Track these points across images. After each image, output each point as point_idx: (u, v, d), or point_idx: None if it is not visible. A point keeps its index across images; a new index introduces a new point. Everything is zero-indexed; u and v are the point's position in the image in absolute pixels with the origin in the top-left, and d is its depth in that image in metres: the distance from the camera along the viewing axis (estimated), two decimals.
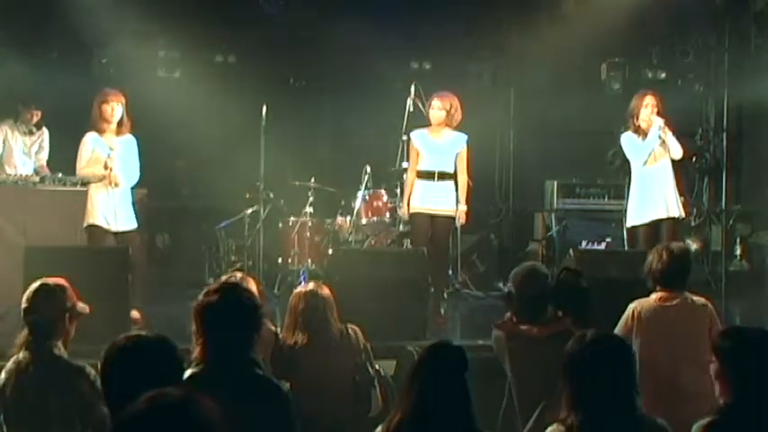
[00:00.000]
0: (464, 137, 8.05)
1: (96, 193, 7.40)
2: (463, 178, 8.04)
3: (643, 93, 8.04)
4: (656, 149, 7.80)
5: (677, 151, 7.84)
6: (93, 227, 7.36)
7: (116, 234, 7.44)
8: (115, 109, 7.46)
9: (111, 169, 7.36)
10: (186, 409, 2.03)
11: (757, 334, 3.42)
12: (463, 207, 8.03)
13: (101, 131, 7.48)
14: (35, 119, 8.41)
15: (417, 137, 8.01)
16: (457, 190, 7.96)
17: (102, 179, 7.38)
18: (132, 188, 7.69)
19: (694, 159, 11.19)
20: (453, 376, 3.35)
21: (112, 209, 7.38)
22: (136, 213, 7.70)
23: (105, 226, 7.39)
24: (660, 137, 7.73)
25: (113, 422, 2.07)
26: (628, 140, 7.90)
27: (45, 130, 8.47)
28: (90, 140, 7.48)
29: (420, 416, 3.31)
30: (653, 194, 7.81)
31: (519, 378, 4.69)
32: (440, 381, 3.33)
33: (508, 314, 4.94)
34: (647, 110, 7.81)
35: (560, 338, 4.75)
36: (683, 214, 8.02)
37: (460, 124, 8.07)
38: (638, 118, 7.83)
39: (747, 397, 3.24)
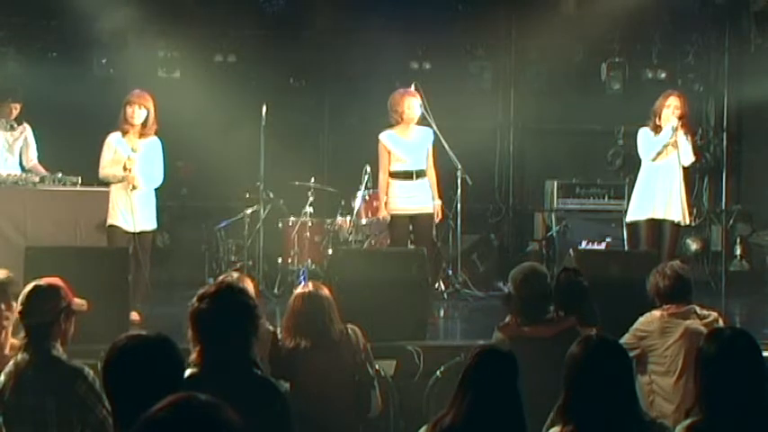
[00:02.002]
0: (431, 131, 8.05)
1: (116, 194, 7.48)
2: (432, 173, 8.06)
3: (668, 93, 8.06)
4: (665, 149, 7.81)
5: (687, 156, 7.83)
6: (112, 227, 7.43)
7: (134, 234, 7.49)
8: (136, 111, 7.53)
9: (129, 170, 7.42)
10: (213, 413, 2.02)
11: (734, 337, 3.40)
12: (438, 201, 8.05)
13: (124, 132, 7.56)
14: (14, 113, 8.33)
15: (388, 138, 7.93)
16: (429, 186, 7.97)
17: (121, 180, 7.46)
18: (156, 189, 7.72)
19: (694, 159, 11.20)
20: (507, 382, 3.37)
21: (131, 210, 7.44)
22: (158, 215, 7.73)
23: (124, 226, 7.46)
24: (671, 136, 7.75)
25: (138, 423, 2.05)
26: (642, 135, 7.94)
27: (26, 126, 8.34)
28: (113, 141, 7.57)
29: (473, 421, 3.32)
30: (654, 192, 7.83)
31: (527, 381, 4.59)
32: (493, 387, 3.36)
33: (509, 317, 4.90)
34: (669, 110, 7.82)
35: (568, 337, 4.73)
36: (687, 221, 7.98)
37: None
38: (659, 117, 7.85)
39: (725, 399, 3.23)
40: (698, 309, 5.26)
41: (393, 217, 7.92)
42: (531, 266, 5.13)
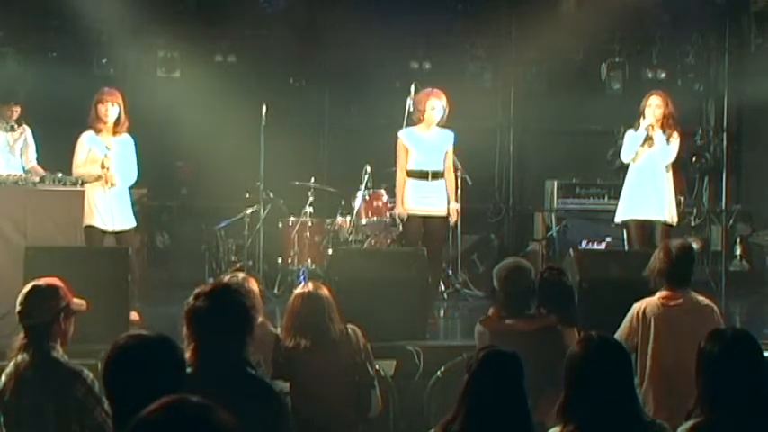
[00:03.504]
0: (452, 134, 7.97)
1: (93, 194, 7.44)
2: (452, 176, 8.02)
3: (650, 92, 8.09)
4: (645, 149, 7.83)
5: (665, 155, 7.84)
6: (89, 228, 7.40)
7: (114, 234, 7.49)
8: (109, 109, 7.51)
9: (107, 169, 7.40)
10: (206, 415, 2.01)
11: (736, 337, 3.39)
12: (456, 205, 8.01)
13: (97, 131, 7.54)
14: (15, 115, 8.34)
15: (407, 136, 7.88)
16: (446, 188, 7.93)
17: (98, 179, 7.44)
18: (130, 188, 7.72)
19: (694, 159, 11.19)
20: (513, 385, 3.36)
21: (109, 209, 7.44)
22: (135, 213, 7.72)
23: (102, 226, 7.44)
24: (646, 136, 7.77)
25: (131, 425, 2.05)
26: (626, 137, 8.00)
27: (26, 128, 8.36)
28: (86, 140, 7.53)
29: (480, 425, 3.32)
30: (638, 192, 7.87)
31: None
32: (499, 390, 3.35)
33: (491, 310, 4.99)
34: (650, 110, 7.85)
35: (546, 333, 4.80)
36: (674, 220, 7.99)
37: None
38: (644, 117, 7.87)
39: (726, 400, 3.23)
40: (694, 295, 5.23)
41: (399, 216, 7.88)
42: (515, 262, 5.17)
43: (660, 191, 7.83)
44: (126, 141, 7.63)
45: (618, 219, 8.12)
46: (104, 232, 7.45)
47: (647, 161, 7.86)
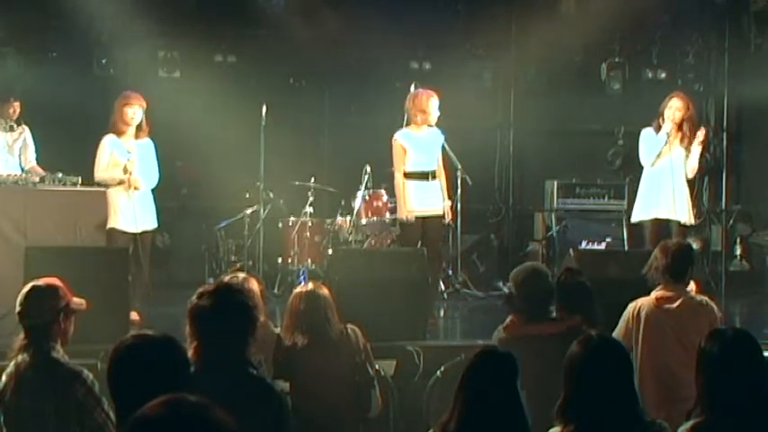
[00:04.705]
0: (439, 131, 8.00)
1: (117, 197, 7.50)
2: (442, 173, 8.04)
3: (673, 94, 8.10)
4: (664, 151, 7.83)
5: (690, 163, 7.85)
6: (113, 230, 7.45)
7: (135, 235, 7.52)
8: (136, 113, 7.56)
9: (130, 173, 7.43)
10: (203, 413, 2.01)
11: (736, 337, 3.39)
12: (448, 202, 8.03)
13: (119, 134, 7.57)
14: (15, 113, 8.33)
15: (404, 137, 7.87)
16: (441, 187, 7.94)
17: (121, 183, 7.50)
18: (153, 190, 7.76)
19: None
20: (506, 384, 3.35)
21: (132, 212, 7.48)
22: (158, 213, 7.79)
23: (126, 229, 7.49)
24: (665, 142, 7.78)
25: (128, 423, 2.05)
26: (643, 137, 7.99)
27: (25, 127, 8.34)
28: (109, 144, 7.56)
29: (473, 423, 3.32)
30: (658, 191, 7.88)
31: (532, 380, 4.15)
32: (493, 389, 3.34)
33: (511, 317, 4.89)
34: (670, 111, 7.85)
35: (575, 334, 4.72)
36: (692, 221, 8.01)
37: None
38: (662, 118, 7.89)
39: (726, 400, 3.23)
40: (692, 295, 5.22)
41: (407, 218, 7.84)
42: (533, 266, 5.13)
43: (678, 191, 7.84)
44: (147, 145, 7.71)
45: (634, 219, 8.14)
46: (126, 234, 7.49)
47: (664, 162, 7.86)
